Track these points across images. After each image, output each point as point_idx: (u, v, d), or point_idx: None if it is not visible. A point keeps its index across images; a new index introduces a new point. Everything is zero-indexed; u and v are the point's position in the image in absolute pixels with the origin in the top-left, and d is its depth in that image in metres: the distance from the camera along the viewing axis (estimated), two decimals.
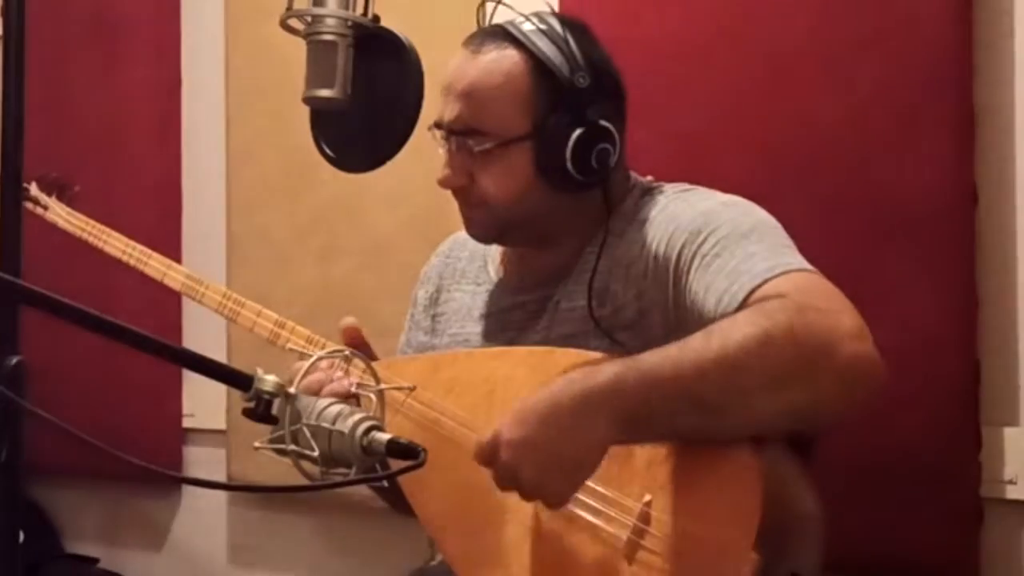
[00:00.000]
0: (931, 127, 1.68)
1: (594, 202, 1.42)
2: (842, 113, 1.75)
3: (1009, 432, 1.66)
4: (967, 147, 1.66)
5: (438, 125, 1.45)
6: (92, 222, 1.68)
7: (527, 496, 1.21)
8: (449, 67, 1.46)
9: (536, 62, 1.40)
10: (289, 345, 1.53)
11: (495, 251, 1.59)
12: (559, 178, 1.39)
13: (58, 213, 1.68)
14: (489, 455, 1.20)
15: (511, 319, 1.50)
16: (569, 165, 1.37)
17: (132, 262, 1.64)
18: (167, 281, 1.62)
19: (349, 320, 1.49)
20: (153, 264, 1.63)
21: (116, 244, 1.65)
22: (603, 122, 1.38)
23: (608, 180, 1.40)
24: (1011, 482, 1.65)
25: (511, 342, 1.47)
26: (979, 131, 1.67)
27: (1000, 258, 1.67)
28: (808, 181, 1.77)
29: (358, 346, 1.43)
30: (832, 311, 1.18)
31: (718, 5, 1.87)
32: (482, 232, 1.49)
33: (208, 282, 1.61)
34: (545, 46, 1.40)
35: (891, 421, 1.69)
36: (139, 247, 1.64)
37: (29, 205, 1.64)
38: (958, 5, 1.66)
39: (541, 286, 1.48)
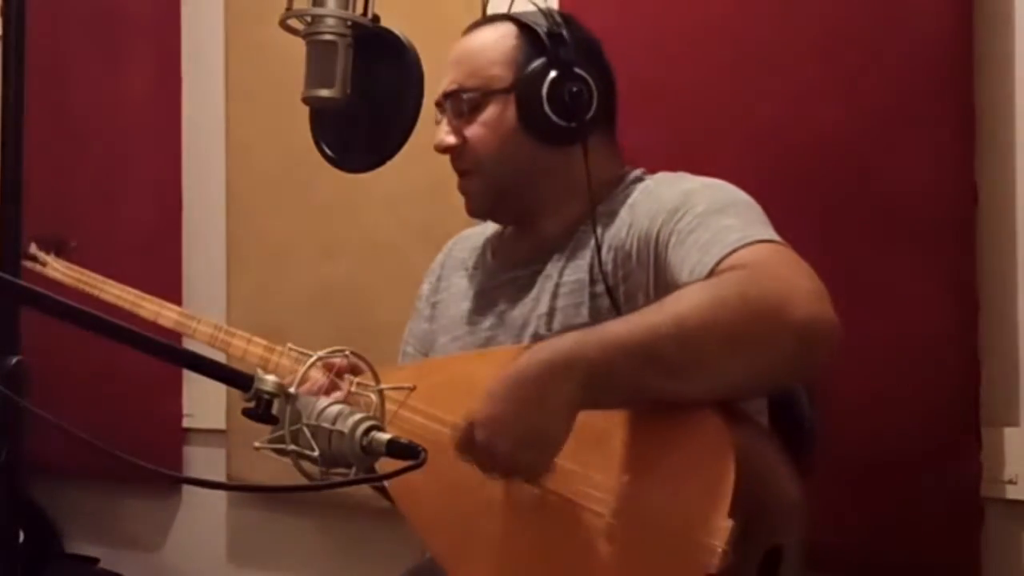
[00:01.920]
0: (931, 127, 1.68)
1: (577, 164, 1.45)
2: (843, 113, 1.75)
3: (1009, 432, 1.66)
4: (967, 147, 1.66)
5: (438, 103, 1.53)
6: (89, 273, 1.76)
7: (505, 472, 1.24)
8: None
9: (524, 28, 1.49)
10: (289, 345, 1.54)
11: (494, 240, 1.63)
12: (539, 124, 1.45)
13: (56, 268, 1.78)
14: (466, 440, 1.23)
15: (502, 294, 1.54)
16: (545, 106, 1.44)
17: (127, 307, 1.71)
18: (160, 321, 1.70)
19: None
20: (146, 306, 1.71)
21: (111, 291, 1.73)
22: (578, 70, 1.45)
23: (587, 133, 1.45)
24: (1011, 482, 1.65)
25: (502, 315, 1.51)
26: (979, 131, 1.67)
27: (1000, 258, 1.66)
28: (809, 181, 1.77)
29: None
30: (788, 275, 1.20)
31: (718, 5, 1.88)
32: (477, 202, 1.54)
33: (200, 317, 1.68)
34: (536, 18, 1.49)
35: (891, 421, 1.69)
36: (133, 291, 1.72)
37: (28, 264, 1.74)
38: (958, 5, 1.66)
39: (532, 262, 1.51)
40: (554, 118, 1.44)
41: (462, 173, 1.53)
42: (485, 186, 1.51)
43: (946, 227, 1.67)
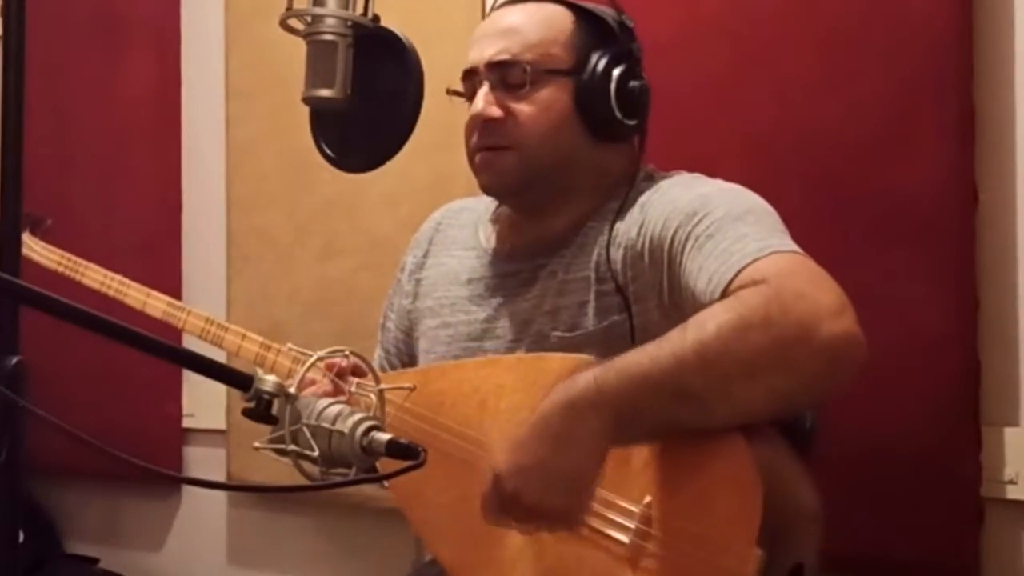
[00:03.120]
0: (931, 127, 1.68)
1: (616, 163, 1.43)
2: (842, 113, 1.75)
3: (1009, 432, 1.66)
4: (967, 147, 1.66)
5: (472, 71, 1.46)
6: (68, 255, 1.67)
7: (541, 522, 1.20)
8: (479, 26, 1.49)
9: (580, 11, 1.45)
10: (289, 345, 1.53)
11: (487, 220, 1.58)
12: (598, 115, 1.41)
13: (32, 248, 1.67)
14: (495, 495, 1.20)
15: (502, 286, 1.49)
16: (612, 99, 1.40)
17: (111, 293, 1.63)
18: (148, 310, 1.62)
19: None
20: (132, 294, 1.63)
21: (94, 276, 1.64)
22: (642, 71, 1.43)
23: (645, 132, 1.42)
24: (1011, 482, 1.65)
25: (499, 307, 1.47)
26: (979, 131, 1.67)
27: (1000, 258, 1.66)
28: (808, 181, 1.77)
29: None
30: (811, 292, 1.17)
31: (718, 4, 1.87)
32: (505, 180, 1.46)
33: (190, 308, 1.61)
34: (586, 4, 1.45)
35: (891, 421, 1.69)
36: (117, 277, 1.63)
37: None
38: (958, 5, 1.66)
39: (535, 256, 1.47)
40: (618, 112, 1.41)
41: (494, 148, 1.44)
42: (520, 167, 1.44)
43: (946, 227, 1.67)
